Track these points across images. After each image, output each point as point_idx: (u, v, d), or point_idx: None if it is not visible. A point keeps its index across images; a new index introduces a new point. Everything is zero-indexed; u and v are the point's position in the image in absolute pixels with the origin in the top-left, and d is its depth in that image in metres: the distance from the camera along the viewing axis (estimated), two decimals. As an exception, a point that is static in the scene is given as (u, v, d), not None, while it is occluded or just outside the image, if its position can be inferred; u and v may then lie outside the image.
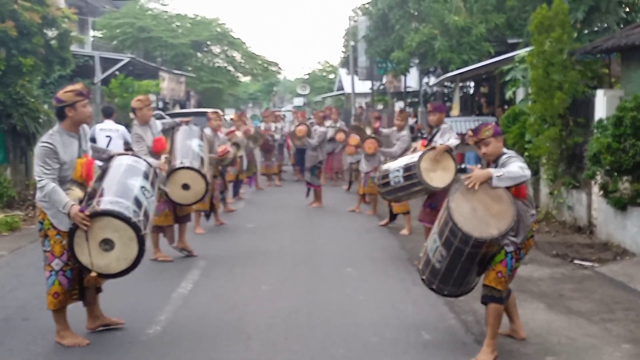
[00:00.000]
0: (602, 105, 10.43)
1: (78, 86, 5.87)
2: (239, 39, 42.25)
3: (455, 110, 19.77)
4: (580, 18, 12.21)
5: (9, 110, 14.31)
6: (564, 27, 11.26)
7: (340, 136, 16.06)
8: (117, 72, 26.23)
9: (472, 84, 20.99)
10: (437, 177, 8.56)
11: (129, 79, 26.35)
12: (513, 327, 6.00)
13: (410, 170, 8.65)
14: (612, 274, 8.28)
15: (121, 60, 26.71)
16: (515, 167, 5.36)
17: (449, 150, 8.66)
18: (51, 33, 15.14)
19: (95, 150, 6.25)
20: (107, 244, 5.44)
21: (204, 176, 8.73)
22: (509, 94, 14.53)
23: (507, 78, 13.85)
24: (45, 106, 18.21)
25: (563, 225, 11.48)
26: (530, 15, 12.81)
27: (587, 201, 10.90)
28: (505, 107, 15.94)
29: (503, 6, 18.92)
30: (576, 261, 9.12)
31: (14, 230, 11.60)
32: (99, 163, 6.31)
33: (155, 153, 8.30)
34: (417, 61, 21.97)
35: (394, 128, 11.26)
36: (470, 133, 5.79)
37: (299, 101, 60.70)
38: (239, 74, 45.79)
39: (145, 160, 6.45)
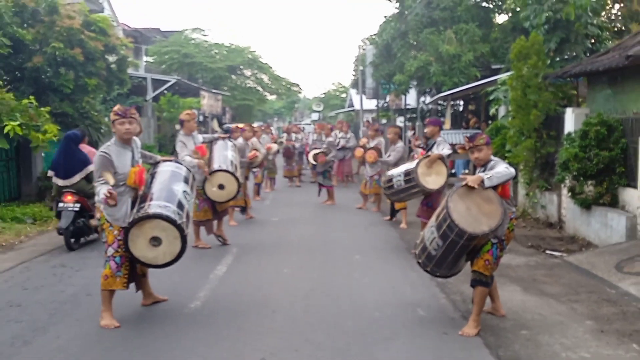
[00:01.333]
0: (571, 121, 10.41)
1: (116, 107, 5.92)
2: (266, 64, 42.40)
3: (447, 125, 19.75)
4: (553, 48, 12.19)
5: (77, 121, 14.46)
6: (539, 55, 11.26)
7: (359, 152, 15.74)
8: (165, 91, 26.40)
9: (461, 102, 20.96)
10: (432, 180, 8.67)
11: (175, 96, 26.49)
12: (494, 305, 6.02)
13: (409, 175, 8.75)
14: (577, 263, 8.26)
15: (169, 81, 26.88)
16: (502, 167, 5.44)
17: (441, 158, 8.71)
18: (111, 58, 15.31)
19: (143, 156, 6.32)
20: (155, 241, 5.52)
21: (236, 178, 8.83)
22: (492, 111, 14.56)
23: (491, 97, 13.86)
24: (106, 119, 18.39)
25: (537, 221, 11.47)
26: (510, 45, 12.81)
27: (557, 201, 10.88)
28: (489, 122, 15.91)
29: (488, 37, 18.94)
30: (548, 251, 9.12)
31: (80, 221, 11.69)
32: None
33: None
34: (415, 83, 21.96)
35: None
36: (466, 139, 5.81)
37: (315, 116, 60.83)
38: (266, 93, 45.95)
39: (185, 166, 6.48)
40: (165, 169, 6.15)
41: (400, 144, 11.19)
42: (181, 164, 6.45)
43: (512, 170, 5.45)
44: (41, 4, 13.50)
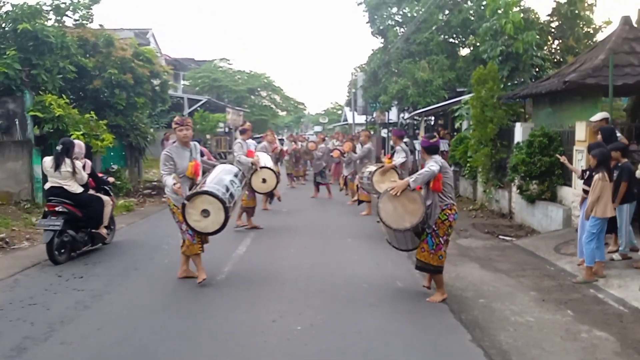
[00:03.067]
0: (520, 133, 10.39)
1: (176, 118, 6.25)
2: (278, 86, 42.65)
3: (422, 135, 19.72)
4: (506, 75, 12.15)
5: (127, 132, 14.47)
6: (494, 80, 11.24)
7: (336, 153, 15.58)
8: (198, 108, 26.33)
9: (433, 118, 20.89)
10: (384, 186, 8.46)
11: (206, 113, 26.44)
12: (428, 278, 5.84)
13: (369, 179, 8.84)
14: (524, 245, 8.23)
15: (201, 100, 26.83)
16: (426, 168, 5.25)
17: (394, 168, 8.69)
18: (156, 82, 15.30)
19: (205, 163, 6.51)
20: (205, 212, 5.62)
21: (277, 175, 9.13)
22: (457, 125, 14.52)
23: (456, 114, 13.84)
24: (152, 130, 18.39)
25: (492, 213, 11.43)
26: (472, 72, 12.78)
27: (508, 196, 10.85)
28: (455, 133, 15.87)
29: (454, 66, 18.92)
30: (500, 236, 9.08)
31: (130, 211, 11.71)
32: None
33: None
34: (396, 102, 21.89)
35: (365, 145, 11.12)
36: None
37: (318, 128, 60.84)
38: (278, 110, 46.05)
39: (238, 167, 6.86)
40: (221, 167, 6.48)
41: (368, 144, 11.03)
42: (234, 167, 6.77)
43: (434, 169, 5.16)
44: (100, 38, 13.50)
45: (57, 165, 6.95)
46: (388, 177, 8.60)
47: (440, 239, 5.33)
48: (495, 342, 4.44)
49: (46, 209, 7.04)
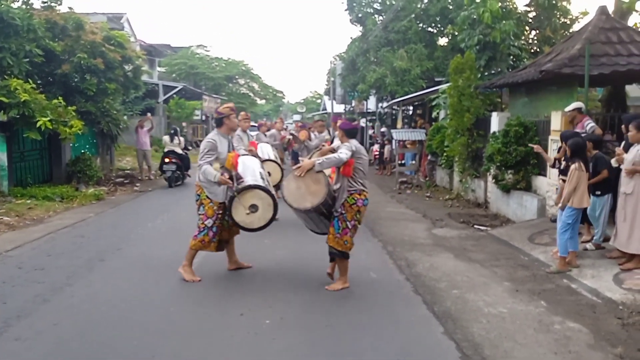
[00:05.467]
0: (496, 122, 10.34)
1: (231, 104, 5.87)
2: (257, 74, 42.17)
3: (399, 124, 19.64)
4: (483, 64, 12.09)
5: (98, 118, 14.06)
6: (471, 70, 11.16)
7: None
8: (174, 95, 25.83)
9: (411, 107, 20.80)
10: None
11: (182, 100, 25.94)
12: (332, 266, 5.76)
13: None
14: (499, 235, 8.19)
15: (177, 87, 26.32)
16: (336, 154, 5.17)
17: (333, 150, 8.31)
18: (128, 67, 14.83)
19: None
20: (253, 208, 5.39)
21: (281, 167, 8.97)
22: (434, 114, 14.44)
23: (434, 103, 13.75)
24: (125, 117, 17.92)
25: (468, 202, 11.41)
26: (450, 62, 12.68)
27: (484, 186, 10.83)
28: (432, 122, 15.80)
29: (432, 56, 18.80)
30: (475, 226, 9.03)
31: (100, 200, 11.38)
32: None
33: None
34: (374, 91, 21.76)
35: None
36: (333, 124, 5.57)
37: (297, 117, 60.51)
38: (256, 98, 45.56)
39: (258, 156, 6.61)
40: (249, 158, 6.05)
41: (324, 133, 10.56)
42: (253, 156, 6.46)
43: (342, 156, 5.08)
44: (69, 21, 13.00)
45: (171, 139, 14.23)
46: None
47: (348, 223, 5.26)
48: (468, 335, 4.34)
49: (166, 160, 13.65)
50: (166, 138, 14.67)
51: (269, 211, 5.41)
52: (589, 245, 6.73)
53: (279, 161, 9.08)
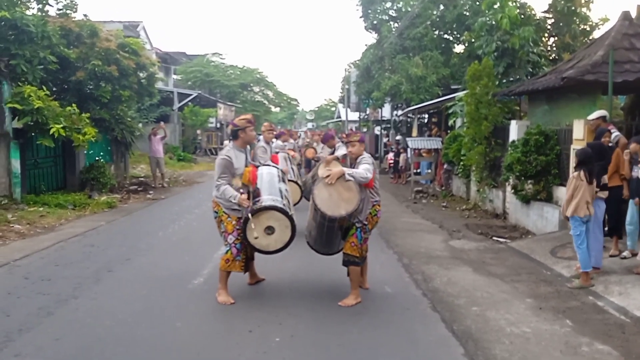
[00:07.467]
0: (515, 131, 10.06)
1: (248, 116, 5.48)
2: (271, 82, 42.25)
3: (414, 133, 19.35)
4: (501, 71, 11.86)
5: (112, 126, 14.02)
6: (489, 77, 10.91)
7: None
8: (189, 103, 25.87)
9: (426, 115, 20.51)
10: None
11: (197, 107, 25.97)
12: (361, 279, 5.59)
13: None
14: (519, 248, 7.89)
15: (192, 94, 26.36)
16: (363, 169, 5.00)
17: (337, 159, 8.07)
18: (142, 74, 14.81)
19: None
20: (270, 230, 5.01)
21: (300, 188, 8.69)
22: (451, 122, 14.17)
23: (450, 111, 13.48)
24: (140, 124, 17.92)
25: (486, 213, 11.11)
26: (466, 69, 12.44)
27: (502, 196, 10.53)
28: (448, 131, 15.52)
29: (448, 63, 18.55)
30: (494, 238, 8.74)
31: (112, 208, 11.30)
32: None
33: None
34: (389, 99, 21.55)
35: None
36: (343, 135, 5.39)
37: (310, 124, 60.60)
38: (271, 106, 45.64)
39: (276, 167, 5.77)
40: (267, 170, 5.46)
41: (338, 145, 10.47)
42: (275, 167, 5.73)
43: (369, 175, 4.94)
44: (84, 28, 13.01)
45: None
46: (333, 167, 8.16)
47: (369, 233, 5.26)
48: (490, 357, 4.07)
49: None
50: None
51: (286, 234, 5.03)
52: (626, 253, 6.53)
53: (299, 181, 8.74)
